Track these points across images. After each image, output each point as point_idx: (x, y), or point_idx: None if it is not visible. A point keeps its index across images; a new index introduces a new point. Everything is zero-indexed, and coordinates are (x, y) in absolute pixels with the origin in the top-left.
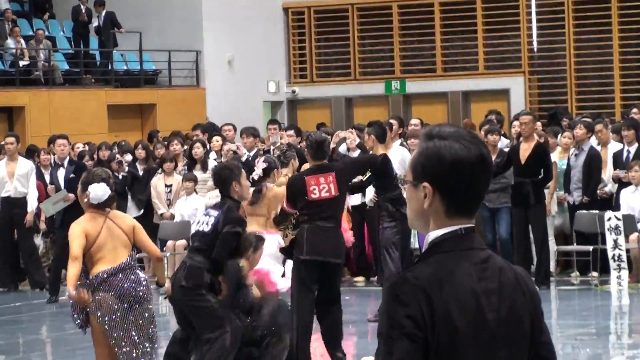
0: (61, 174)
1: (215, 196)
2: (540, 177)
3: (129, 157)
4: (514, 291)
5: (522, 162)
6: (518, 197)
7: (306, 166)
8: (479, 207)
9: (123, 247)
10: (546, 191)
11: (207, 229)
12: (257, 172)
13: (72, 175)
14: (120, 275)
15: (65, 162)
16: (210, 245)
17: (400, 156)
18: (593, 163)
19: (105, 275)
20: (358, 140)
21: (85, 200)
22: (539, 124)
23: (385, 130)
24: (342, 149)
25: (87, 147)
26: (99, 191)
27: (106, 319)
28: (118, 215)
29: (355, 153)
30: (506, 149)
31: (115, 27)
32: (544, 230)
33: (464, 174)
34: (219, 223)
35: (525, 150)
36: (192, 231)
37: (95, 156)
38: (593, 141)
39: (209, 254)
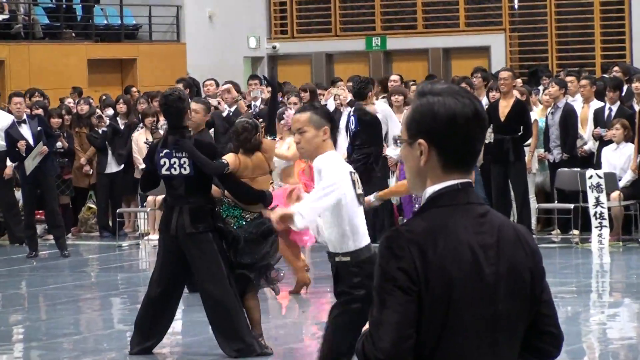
0: (25, 130)
1: None
2: (519, 134)
3: (110, 112)
4: (514, 247)
5: (502, 119)
6: (498, 154)
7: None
8: (475, 162)
9: None
10: (526, 149)
11: (186, 172)
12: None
13: (39, 128)
14: None
15: (25, 118)
16: (197, 186)
17: (381, 112)
18: (568, 119)
19: None
20: (350, 97)
21: None
22: (519, 81)
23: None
24: (330, 105)
25: (74, 99)
26: None
27: None
28: None
29: (346, 110)
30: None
31: None
32: (524, 187)
33: (460, 128)
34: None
35: (505, 107)
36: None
37: (73, 110)
38: (570, 97)
39: (203, 194)
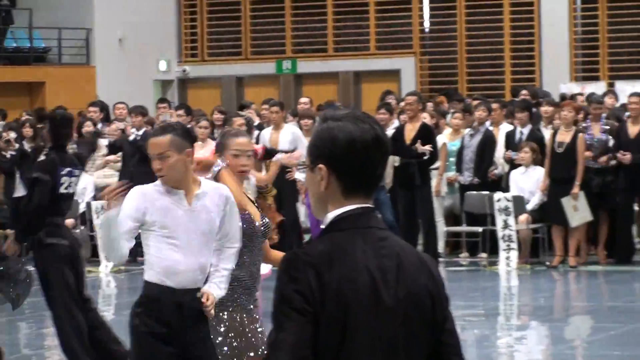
0: None
1: (103, 175)
2: (425, 157)
3: (12, 135)
4: (415, 272)
5: (408, 142)
6: (404, 178)
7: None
8: (377, 187)
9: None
10: (435, 172)
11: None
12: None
13: None
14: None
15: None
16: None
17: (291, 135)
18: (487, 145)
19: None
20: (258, 120)
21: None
22: (429, 104)
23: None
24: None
25: None
26: None
27: None
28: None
29: (255, 133)
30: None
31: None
32: (430, 211)
33: (359, 153)
34: None
35: (411, 130)
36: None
37: None
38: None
39: None
